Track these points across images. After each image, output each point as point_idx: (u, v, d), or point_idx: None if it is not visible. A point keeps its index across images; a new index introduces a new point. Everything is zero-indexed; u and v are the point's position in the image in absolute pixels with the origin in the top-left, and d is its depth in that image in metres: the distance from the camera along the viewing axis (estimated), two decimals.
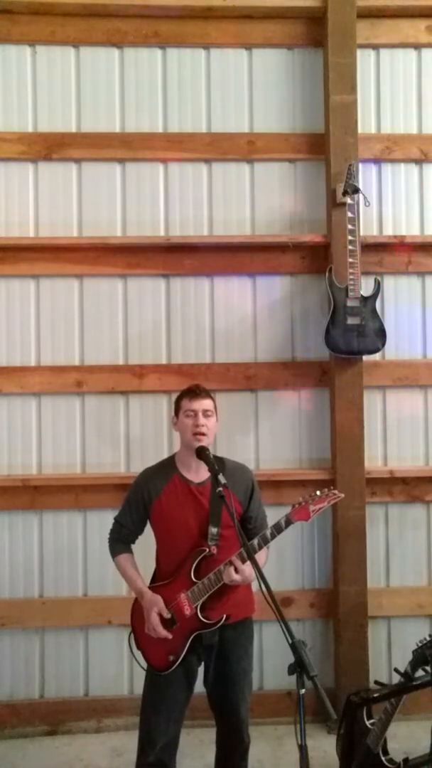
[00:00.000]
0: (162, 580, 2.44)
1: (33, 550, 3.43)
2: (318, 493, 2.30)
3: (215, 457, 2.48)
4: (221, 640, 2.40)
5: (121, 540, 2.53)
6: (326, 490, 2.32)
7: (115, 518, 2.56)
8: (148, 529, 2.53)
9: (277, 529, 2.28)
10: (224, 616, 2.33)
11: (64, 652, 3.41)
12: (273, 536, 2.30)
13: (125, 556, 2.50)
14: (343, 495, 2.35)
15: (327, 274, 3.34)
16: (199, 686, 2.49)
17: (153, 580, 2.50)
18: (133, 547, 2.55)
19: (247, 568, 2.25)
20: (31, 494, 3.39)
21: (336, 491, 2.31)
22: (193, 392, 2.44)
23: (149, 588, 2.42)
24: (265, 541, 2.30)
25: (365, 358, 3.40)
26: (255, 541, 2.29)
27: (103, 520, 3.38)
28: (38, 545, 3.43)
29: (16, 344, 3.46)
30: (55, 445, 3.46)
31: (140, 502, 2.47)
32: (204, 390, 2.47)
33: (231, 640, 2.41)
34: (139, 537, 2.57)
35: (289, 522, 2.27)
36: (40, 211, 3.49)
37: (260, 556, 2.30)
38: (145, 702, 2.44)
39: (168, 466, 2.51)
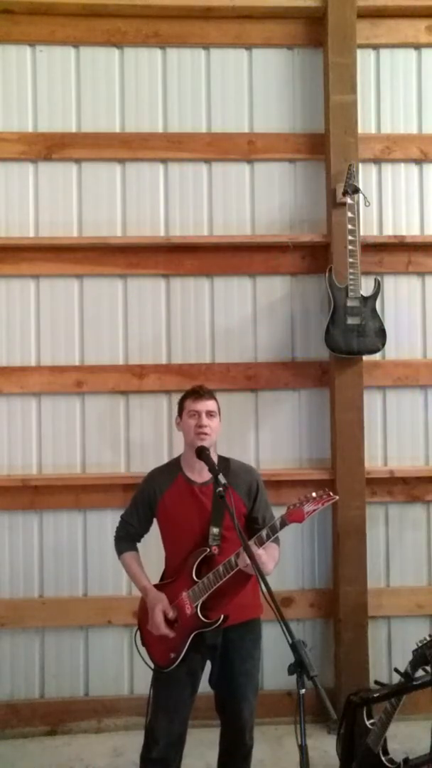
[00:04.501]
0: (167, 579, 2.47)
1: (33, 550, 3.43)
2: (314, 494, 2.27)
3: (221, 457, 2.51)
4: (225, 641, 2.40)
5: (126, 538, 2.56)
6: (321, 491, 2.28)
7: (122, 516, 2.59)
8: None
9: (273, 530, 2.28)
10: (222, 616, 2.33)
11: (64, 652, 3.41)
12: (269, 537, 2.28)
13: (131, 554, 2.53)
14: (338, 497, 2.34)
15: (327, 274, 3.34)
16: (204, 686, 2.48)
17: (161, 579, 2.52)
18: (149, 546, 2.55)
19: (264, 554, 2.27)
20: (31, 494, 3.39)
21: (331, 493, 2.28)
22: (197, 393, 2.46)
23: (155, 587, 2.44)
24: (260, 542, 2.28)
25: (365, 358, 3.40)
26: (251, 542, 2.27)
27: (103, 521, 3.39)
28: (38, 545, 3.43)
29: (16, 344, 3.46)
30: (55, 445, 3.46)
31: (146, 501, 2.51)
32: (208, 391, 2.49)
33: (234, 642, 2.41)
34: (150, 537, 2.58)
35: (284, 523, 2.26)
36: (40, 211, 3.49)
37: (273, 553, 2.36)
38: (150, 699, 2.45)
39: (173, 466, 2.54)
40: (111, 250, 3.45)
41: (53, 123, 3.50)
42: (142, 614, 2.49)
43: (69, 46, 3.50)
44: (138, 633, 2.52)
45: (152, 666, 2.46)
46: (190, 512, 2.41)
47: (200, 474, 2.46)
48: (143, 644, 2.48)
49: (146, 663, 2.47)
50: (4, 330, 3.46)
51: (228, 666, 2.41)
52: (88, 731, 3.33)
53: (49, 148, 3.46)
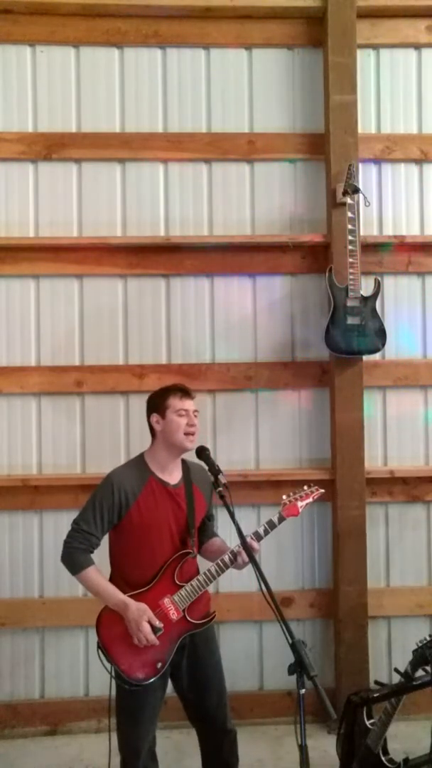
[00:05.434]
0: (133, 588, 2.30)
1: (33, 550, 3.43)
2: (300, 490, 2.45)
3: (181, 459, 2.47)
4: (192, 639, 2.37)
5: (88, 550, 2.32)
6: (307, 486, 2.47)
7: (79, 526, 2.32)
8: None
9: (271, 525, 2.37)
10: (214, 613, 2.39)
11: (64, 652, 3.41)
12: (266, 533, 2.37)
13: (95, 569, 2.33)
14: (323, 490, 2.54)
15: (327, 274, 3.33)
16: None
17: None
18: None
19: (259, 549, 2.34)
20: (31, 494, 3.38)
21: (317, 487, 2.49)
22: (185, 391, 2.41)
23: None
24: (258, 538, 2.35)
25: (365, 358, 3.40)
26: (248, 538, 2.30)
27: None
28: (38, 545, 3.43)
29: (16, 344, 3.46)
30: (55, 445, 3.46)
31: (115, 507, 2.30)
32: (191, 390, 2.46)
33: (201, 636, 2.39)
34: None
35: (281, 519, 2.37)
36: (40, 211, 3.49)
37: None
38: (123, 714, 2.31)
39: (141, 466, 2.40)
40: (111, 250, 3.45)
41: (53, 123, 3.49)
42: (106, 629, 2.29)
43: (69, 46, 3.50)
44: (99, 649, 2.30)
45: (120, 681, 2.26)
46: (167, 516, 2.33)
47: (171, 475, 2.40)
48: (110, 661, 2.26)
49: (116, 679, 2.26)
50: (4, 330, 3.46)
51: (201, 660, 2.39)
52: (88, 731, 3.33)
53: (49, 148, 3.46)
